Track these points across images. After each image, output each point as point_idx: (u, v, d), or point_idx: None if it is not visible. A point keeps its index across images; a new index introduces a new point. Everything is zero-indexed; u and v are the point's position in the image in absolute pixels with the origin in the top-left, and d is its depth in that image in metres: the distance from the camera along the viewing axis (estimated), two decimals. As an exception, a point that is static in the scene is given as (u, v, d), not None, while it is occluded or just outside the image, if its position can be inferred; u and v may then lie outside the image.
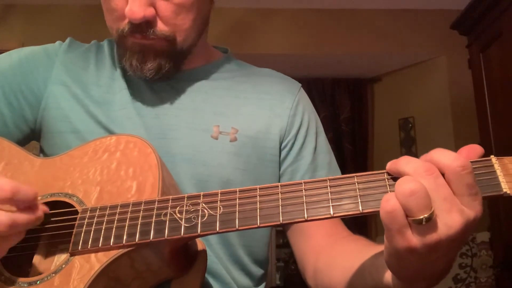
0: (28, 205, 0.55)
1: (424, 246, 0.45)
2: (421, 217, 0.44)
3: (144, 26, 0.71)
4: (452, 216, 0.44)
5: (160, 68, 0.75)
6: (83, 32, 2.34)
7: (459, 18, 2.40)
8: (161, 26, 0.72)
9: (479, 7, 2.23)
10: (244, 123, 0.80)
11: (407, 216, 0.45)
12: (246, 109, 0.82)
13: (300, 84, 0.91)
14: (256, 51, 3.05)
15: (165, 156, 0.68)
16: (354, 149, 3.47)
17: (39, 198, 0.63)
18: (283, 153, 0.82)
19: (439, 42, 3.08)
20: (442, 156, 0.47)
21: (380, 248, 0.57)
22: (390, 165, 0.50)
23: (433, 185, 0.45)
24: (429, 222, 0.44)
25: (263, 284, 0.82)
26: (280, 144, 0.82)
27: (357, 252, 0.64)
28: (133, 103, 0.78)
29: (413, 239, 0.45)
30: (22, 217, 0.54)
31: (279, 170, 0.83)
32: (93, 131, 0.75)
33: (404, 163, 0.48)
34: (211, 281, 0.73)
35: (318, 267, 0.73)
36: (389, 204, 0.45)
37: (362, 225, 3.28)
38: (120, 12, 0.72)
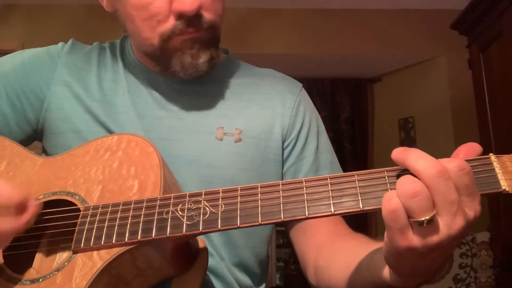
0: (13, 211, 0.55)
1: (424, 246, 0.45)
2: (423, 219, 0.44)
3: (196, 17, 0.71)
4: (457, 218, 0.45)
5: (212, 59, 0.75)
6: (83, 32, 2.35)
7: (459, 18, 2.40)
8: (206, 15, 0.72)
9: (479, 7, 2.24)
10: (248, 124, 0.80)
11: (408, 216, 0.45)
12: (249, 110, 0.82)
13: (301, 84, 0.91)
14: (256, 51, 3.06)
15: (169, 158, 0.68)
16: (354, 149, 3.48)
17: (41, 196, 0.63)
18: (285, 152, 0.83)
19: (439, 42, 3.08)
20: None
21: (378, 244, 0.57)
22: (398, 154, 0.47)
23: (443, 188, 0.44)
24: (431, 224, 0.44)
25: (264, 284, 0.82)
26: (283, 144, 0.83)
27: (356, 248, 0.65)
28: (134, 106, 0.79)
29: (414, 239, 0.45)
30: (5, 224, 0.53)
31: (282, 169, 0.83)
32: (94, 131, 0.76)
33: (414, 158, 0.46)
34: (214, 280, 0.73)
35: (319, 264, 0.74)
36: (391, 203, 0.45)
37: (362, 224, 3.28)
38: (164, 14, 0.71)
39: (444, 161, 0.46)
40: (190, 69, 0.74)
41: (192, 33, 0.72)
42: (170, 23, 0.71)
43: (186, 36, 0.72)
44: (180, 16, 0.70)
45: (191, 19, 0.71)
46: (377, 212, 0.48)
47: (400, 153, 0.47)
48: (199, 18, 0.72)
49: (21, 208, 0.56)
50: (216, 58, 0.77)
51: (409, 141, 3.35)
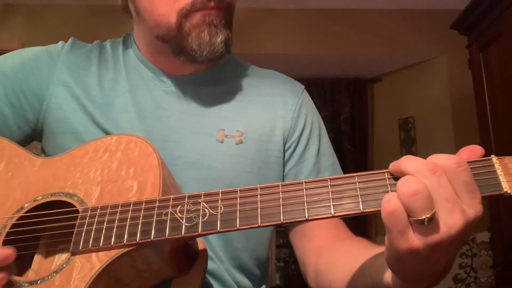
0: None
1: (425, 246, 0.45)
2: (423, 217, 0.43)
3: None
4: (454, 216, 0.44)
5: (228, 39, 0.75)
6: (84, 32, 2.35)
7: (459, 18, 2.40)
8: None
9: (479, 7, 2.24)
10: (249, 126, 0.80)
11: (408, 216, 0.44)
12: (250, 112, 0.81)
13: (303, 86, 0.90)
14: (256, 51, 3.05)
15: (169, 160, 0.67)
16: (354, 149, 3.48)
17: (39, 197, 0.63)
18: (287, 155, 0.82)
19: (439, 42, 3.08)
20: (436, 157, 0.47)
21: (380, 249, 0.56)
22: (393, 165, 0.49)
23: (436, 185, 0.45)
24: (431, 223, 0.44)
25: (264, 285, 0.82)
26: (284, 146, 0.82)
27: (358, 253, 0.64)
28: (135, 106, 0.78)
29: (415, 240, 0.45)
30: None
31: (283, 172, 0.82)
32: (91, 132, 0.75)
33: (407, 162, 0.47)
34: (213, 283, 0.73)
35: (319, 268, 0.73)
36: (390, 204, 0.45)
37: (362, 225, 3.28)
38: None
39: (443, 158, 0.46)
40: (207, 48, 0.73)
41: (213, 9, 0.72)
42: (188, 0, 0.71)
43: (204, 12, 0.72)
44: None
45: None
46: (377, 213, 0.48)
47: (394, 164, 0.49)
48: None
49: None
50: (231, 41, 0.76)
51: (409, 141, 3.35)
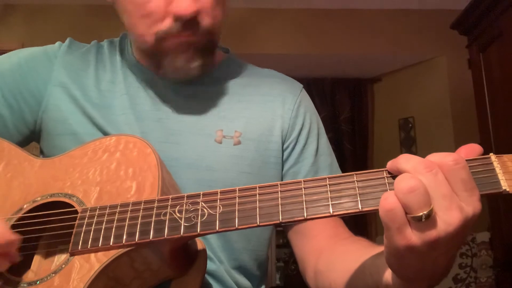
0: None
1: (423, 243, 0.45)
2: (421, 214, 0.44)
3: (193, 21, 0.70)
4: (451, 213, 0.44)
5: (205, 65, 0.75)
6: (83, 32, 2.35)
7: (459, 18, 2.40)
8: (204, 20, 0.71)
9: (479, 7, 2.24)
10: (247, 126, 0.79)
11: (406, 213, 0.45)
12: (249, 112, 0.81)
13: (301, 85, 0.90)
14: (256, 51, 3.05)
15: (168, 161, 0.67)
16: (354, 149, 3.48)
17: (38, 198, 0.63)
18: (285, 154, 0.82)
19: (439, 42, 3.08)
20: (434, 156, 0.47)
21: (380, 248, 0.56)
22: (390, 164, 0.50)
23: (432, 182, 0.45)
24: (429, 219, 0.44)
25: (263, 285, 0.82)
26: (282, 145, 0.82)
27: (358, 253, 0.64)
28: (132, 109, 0.78)
29: (413, 237, 0.45)
30: None
31: (282, 171, 0.82)
32: (90, 133, 0.75)
33: (404, 160, 0.48)
34: (213, 283, 0.73)
35: (319, 269, 0.73)
36: (387, 202, 0.45)
37: (362, 224, 3.28)
38: (160, 13, 0.70)
39: (441, 155, 0.46)
40: (181, 73, 0.74)
41: (188, 36, 0.71)
42: (167, 23, 0.70)
43: (181, 39, 0.72)
44: (177, 18, 0.70)
45: (188, 23, 0.70)
46: (376, 213, 0.48)
47: (392, 162, 0.50)
48: (196, 22, 0.71)
49: (4, 252, 0.55)
50: (210, 64, 0.77)
51: (409, 141, 3.35)
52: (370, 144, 3.55)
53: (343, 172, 0.81)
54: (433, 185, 0.45)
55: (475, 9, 2.27)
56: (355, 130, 3.51)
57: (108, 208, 0.58)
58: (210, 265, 0.72)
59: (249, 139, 0.79)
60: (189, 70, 0.74)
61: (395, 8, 3.14)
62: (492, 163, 0.49)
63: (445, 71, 3.13)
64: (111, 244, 0.55)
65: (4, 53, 0.83)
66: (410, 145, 3.34)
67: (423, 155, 0.48)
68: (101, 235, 0.56)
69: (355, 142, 3.49)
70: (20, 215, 0.62)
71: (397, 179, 0.45)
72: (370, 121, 3.58)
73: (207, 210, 0.54)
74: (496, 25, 2.15)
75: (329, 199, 0.51)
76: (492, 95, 2.22)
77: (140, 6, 0.71)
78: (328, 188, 0.52)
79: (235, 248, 0.76)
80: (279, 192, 0.53)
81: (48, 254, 0.63)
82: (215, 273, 0.73)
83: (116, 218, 0.57)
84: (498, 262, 2.26)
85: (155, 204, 0.57)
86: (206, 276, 0.71)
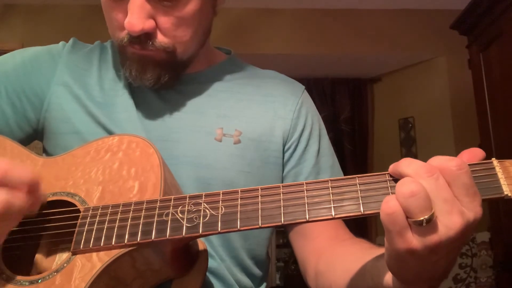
0: (25, 189, 0.53)
1: (424, 247, 0.45)
2: (422, 218, 0.44)
3: (143, 38, 0.71)
4: (452, 217, 0.44)
5: (159, 78, 0.75)
6: (83, 32, 2.35)
7: (459, 18, 2.40)
8: (160, 38, 0.72)
9: (479, 7, 2.24)
10: (248, 126, 0.80)
11: (407, 217, 0.45)
12: (250, 112, 0.81)
13: (303, 87, 0.90)
14: (256, 51, 3.06)
15: (168, 159, 0.68)
16: (354, 149, 3.48)
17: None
18: (286, 155, 0.82)
19: (439, 42, 3.08)
20: (437, 160, 0.47)
21: (381, 250, 0.56)
22: (392, 167, 0.50)
23: (433, 186, 0.45)
24: (429, 224, 0.44)
25: (264, 284, 0.82)
26: (283, 146, 0.82)
27: (358, 254, 0.64)
28: (135, 107, 0.78)
29: (414, 241, 0.45)
30: (15, 199, 0.51)
31: (282, 172, 0.83)
32: (94, 132, 0.75)
33: (405, 164, 0.48)
34: (214, 281, 0.73)
35: (319, 270, 0.73)
36: (389, 205, 0.45)
37: (362, 225, 3.28)
38: (120, 23, 0.72)
39: (444, 160, 0.46)
40: (136, 80, 0.75)
41: (140, 50, 0.73)
42: (124, 32, 0.72)
43: (134, 50, 0.73)
44: (127, 32, 0.71)
45: (137, 38, 0.71)
46: (377, 215, 0.48)
47: (394, 166, 0.50)
48: (148, 39, 0.71)
49: (33, 188, 0.54)
50: (170, 79, 0.76)
51: (409, 141, 3.35)
52: (370, 144, 3.55)
53: (344, 172, 0.82)
54: (434, 190, 0.45)
55: (475, 9, 2.27)
56: (355, 130, 3.51)
57: (110, 207, 0.58)
58: (212, 263, 0.72)
59: (249, 138, 0.79)
60: (142, 81, 0.75)
61: (395, 8, 3.14)
62: (494, 167, 0.49)
63: (445, 71, 3.14)
64: (113, 243, 0.55)
65: (4, 53, 0.84)
66: (410, 145, 3.34)
67: (423, 155, 0.49)
68: (103, 235, 0.56)
69: (355, 142, 3.49)
70: (22, 214, 0.62)
71: (399, 183, 0.46)
72: (370, 121, 3.58)
73: (209, 211, 0.55)
74: (496, 25, 2.16)
75: (331, 202, 0.51)
76: (492, 95, 2.22)
77: (107, 12, 0.74)
78: (330, 191, 0.52)
79: (233, 246, 0.76)
80: (281, 194, 0.53)
81: (50, 253, 0.63)
82: (216, 270, 0.74)
83: (118, 218, 0.57)
84: (498, 262, 2.26)
85: (158, 204, 0.57)
86: (208, 273, 0.71)
